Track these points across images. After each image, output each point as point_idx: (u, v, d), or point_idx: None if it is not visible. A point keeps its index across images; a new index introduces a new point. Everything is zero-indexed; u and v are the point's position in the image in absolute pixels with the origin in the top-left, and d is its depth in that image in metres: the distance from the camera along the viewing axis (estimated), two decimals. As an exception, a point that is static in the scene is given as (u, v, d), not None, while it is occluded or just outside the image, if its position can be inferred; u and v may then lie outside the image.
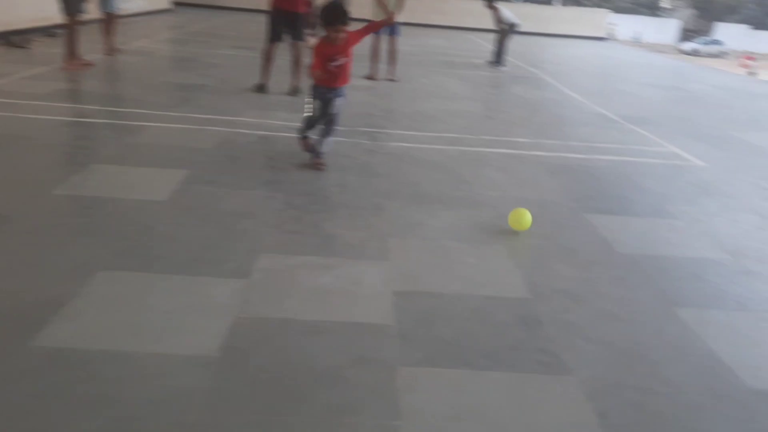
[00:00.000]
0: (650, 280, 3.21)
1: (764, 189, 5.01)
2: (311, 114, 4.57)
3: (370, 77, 8.86)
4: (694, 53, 39.09)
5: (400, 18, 8.78)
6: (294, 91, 7.16)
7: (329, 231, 3.48)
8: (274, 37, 6.98)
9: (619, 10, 42.85)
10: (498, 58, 11.70)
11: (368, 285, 2.88)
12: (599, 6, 24.93)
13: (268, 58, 7.09)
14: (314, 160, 4.57)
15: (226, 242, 3.19)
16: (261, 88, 7.13)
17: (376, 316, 2.62)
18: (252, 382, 2.13)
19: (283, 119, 5.97)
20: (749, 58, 25.45)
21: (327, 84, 4.44)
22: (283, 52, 7.23)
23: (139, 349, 2.26)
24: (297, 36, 7.06)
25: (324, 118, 4.56)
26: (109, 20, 8.88)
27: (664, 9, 53.96)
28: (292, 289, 2.78)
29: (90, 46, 8.81)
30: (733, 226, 4.10)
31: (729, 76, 15.68)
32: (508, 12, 11.51)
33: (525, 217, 3.69)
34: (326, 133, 4.59)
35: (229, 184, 4.07)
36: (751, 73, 23.08)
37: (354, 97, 7.52)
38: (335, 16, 4.26)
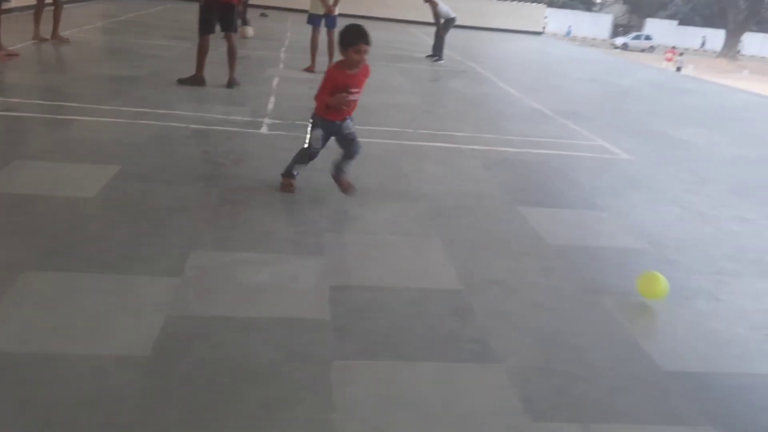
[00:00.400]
0: (577, 269, 3.36)
1: (685, 182, 5.29)
2: (310, 146, 3.94)
3: (309, 70, 8.82)
4: (624, 48, 40.65)
5: (339, 10, 8.78)
6: (231, 84, 7.06)
7: (266, 227, 3.47)
8: (208, 28, 6.83)
9: (555, 4, 43.97)
10: (437, 51, 11.84)
11: (304, 280, 2.90)
12: (536, 0, 25.49)
13: (202, 50, 6.94)
14: (343, 183, 4.01)
15: (158, 240, 3.14)
16: (197, 81, 6.98)
17: (312, 311, 2.65)
18: (185, 380, 2.13)
19: (220, 113, 5.88)
20: (672, 52, 26.74)
21: (333, 117, 3.89)
22: (221, 43, 7.10)
23: (68, 351, 2.21)
24: (230, 27, 6.93)
25: (343, 143, 4.01)
26: (57, 7, 8.78)
27: (598, 4, 55.71)
28: (227, 286, 2.77)
29: (17, 36, 8.40)
30: (656, 218, 4.32)
31: (656, 72, 16.37)
32: (445, 6, 11.65)
33: (658, 285, 3.03)
34: (350, 155, 4.03)
35: (163, 180, 3.99)
36: (678, 69, 24.20)
37: (293, 90, 7.50)
38: (358, 34, 3.69)
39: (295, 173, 4.03)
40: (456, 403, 2.17)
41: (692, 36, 48.55)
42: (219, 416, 1.98)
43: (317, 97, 3.85)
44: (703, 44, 47.91)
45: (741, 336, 2.81)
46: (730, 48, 42.61)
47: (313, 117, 3.95)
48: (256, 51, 10.52)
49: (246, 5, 14.00)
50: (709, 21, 49.02)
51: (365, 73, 3.88)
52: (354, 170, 4.61)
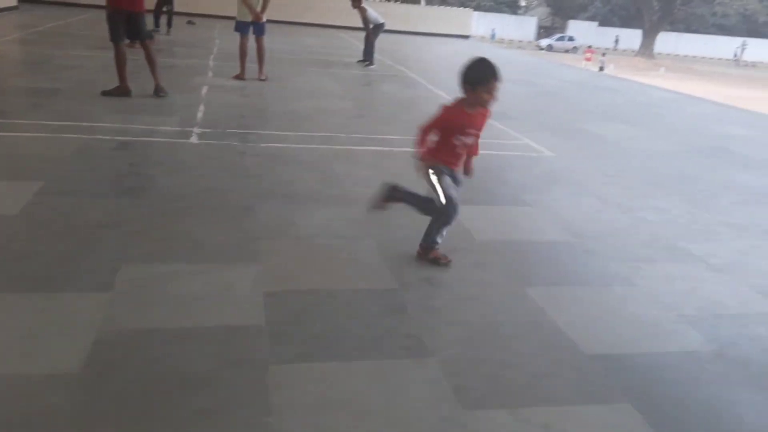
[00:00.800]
0: (505, 263, 3.51)
1: (605, 175, 5.57)
2: (449, 199, 3.26)
3: (239, 77, 8.75)
4: (549, 49, 42.12)
5: (267, 16, 8.76)
6: (157, 91, 6.94)
7: (199, 236, 3.45)
8: (116, 37, 6.66)
9: (480, 8, 45.00)
10: (367, 56, 11.97)
11: (239, 288, 2.91)
12: (463, 5, 26.14)
13: (119, 60, 6.75)
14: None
15: (86, 255, 3.08)
16: (122, 92, 6.81)
17: (247, 318, 2.67)
18: (119, 395, 2.11)
19: (147, 123, 5.78)
20: (591, 52, 28.00)
21: (450, 164, 3.31)
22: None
23: (-6, 374, 2.16)
24: (139, 36, 6.78)
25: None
26: None
27: (523, 7, 57.41)
28: (160, 298, 2.75)
29: None
30: (578, 211, 4.54)
31: (579, 71, 17.06)
32: (374, 12, 11.80)
33: None
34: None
35: (89, 194, 3.90)
36: (601, 68, 25.29)
37: (223, 98, 7.43)
38: (490, 70, 3.12)
39: (439, 240, 3.38)
40: (391, 399, 2.24)
41: (612, 36, 50.79)
42: (155, 427, 1.98)
43: (423, 134, 3.26)
44: (616, 42, 50.10)
45: (655, 318, 3.01)
46: (647, 47, 44.80)
47: (426, 165, 3.30)
48: (183, 59, 10.34)
49: (172, 12, 13.75)
50: (626, 22, 51.39)
51: (485, 112, 3.30)
52: (288, 177, 4.65)
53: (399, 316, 2.81)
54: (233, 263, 3.17)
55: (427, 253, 3.39)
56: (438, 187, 3.26)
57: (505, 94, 10.15)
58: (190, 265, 3.09)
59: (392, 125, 6.90)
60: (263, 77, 8.86)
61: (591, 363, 2.58)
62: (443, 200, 3.24)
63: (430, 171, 3.28)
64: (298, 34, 17.30)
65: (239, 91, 8.05)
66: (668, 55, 49.39)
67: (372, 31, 11.86)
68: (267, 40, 8.99)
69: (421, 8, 25.31)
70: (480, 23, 43.07)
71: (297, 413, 2.11)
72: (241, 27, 8.65)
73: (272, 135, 5.87)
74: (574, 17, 53.05)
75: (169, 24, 13.69)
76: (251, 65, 8.83)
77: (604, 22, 52.80)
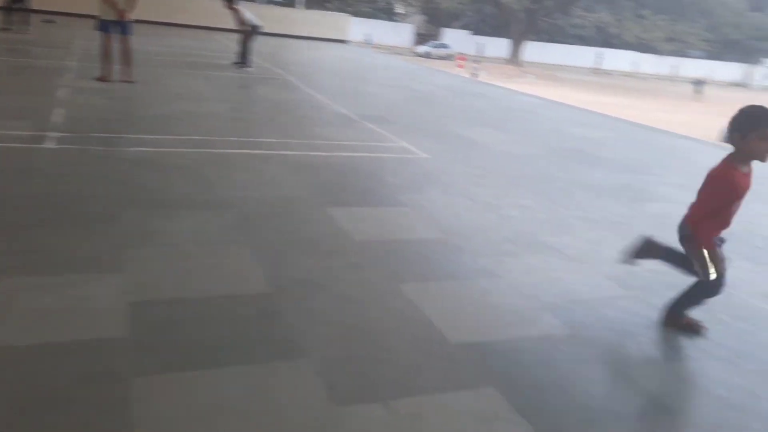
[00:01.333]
0: (381, 262, 3.58)
1: (475, 176, 5.85)
2: (721, 275, 2.94)
3: (103, 79, 8.26)
4: (427, 55, 43.52)
5: (136, 16, 8.35)
6: None
7: (54, 247, 3.22)
8: None
9: (358, 14, 45.59)
10: (243, 59, 11.75)
11: (99, 299, 2.75)
12: (342, 10, 26.38)
13: None
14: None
15: None
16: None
17: (109, 330, 2.53)
18: (-42, 422, 1.93)
19: (-3, 127, 5.31)
20: (462, 59, 29.40)
21: (720, 233, 2.97)
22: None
23: None
24: None
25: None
26: None
27: (399, 14, 58.87)
28: (7, 314, 2.54)
29: None
30: (449, 209, 4.73)
31: (453, 77, 17.77)
32: (249, 14, 11.61)
33: None
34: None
35: (-75, 205, 3.52)
36: (473, 75, 26.50)
37: (85, 101, 7.00)
38: (765, 114, 2.74)
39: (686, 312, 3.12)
40: (263, 401, 2.21)
41: (483, 44, 53.38)
42: (1, 453, 1.83)
43: (702, 215, 2.92)
44: (481, 51, 52.61)
45: (517, 306, 3.21)
46: (515, 55, 47.60)
47: (696, 238, 2.94)
48: (41, 60, 9.61)
49: (28, 9, 12.75)
50: (496, 31, 54.19)
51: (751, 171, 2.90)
52: (155, 182, 4.45)
53: (272, 320, 2.78)
54: (93, 274, 2.99)
55: (679, 320, 3.12)
56: (710, 263, 2.90)
57: (383, 99, 10.44)
58: (43, 277, 2.88)
59: (269, 128, 6.83)
60: (130, 79, 8.42)
61: (457, 352, 2.70)
62: (712, 274, 2.91)
63: (705, 249, 2.92)
64: (171, 35, 16.61)
65: (103, 93, 7.61)
66: (535, 63, 52.70)
67: (248, 32, 11.66)
68: (136, 41, 8.57)
69: (300, 12, 25.26)
70: (357, 28, 43.57)
71: (163, 424, 2.03)
72: (103, 26, 8.18)
73: (140, 139, 5.61)
74: (448, 25, 55.16)
75: (26, 22, 12.67)
76: (117, 67, 8.36)
77: (477, 31, 55.39)
